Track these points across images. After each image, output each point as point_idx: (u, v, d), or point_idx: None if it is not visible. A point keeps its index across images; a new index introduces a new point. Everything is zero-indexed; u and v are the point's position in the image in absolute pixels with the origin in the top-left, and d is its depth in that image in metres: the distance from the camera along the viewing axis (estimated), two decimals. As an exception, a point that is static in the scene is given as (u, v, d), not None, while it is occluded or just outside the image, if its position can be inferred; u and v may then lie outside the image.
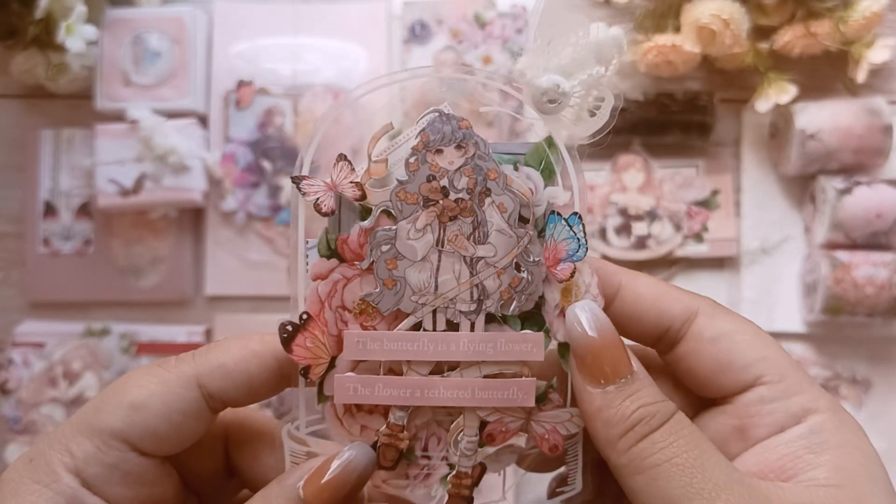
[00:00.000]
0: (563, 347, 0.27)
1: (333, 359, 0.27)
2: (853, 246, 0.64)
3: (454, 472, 0.28)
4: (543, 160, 0.28)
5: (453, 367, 0.27)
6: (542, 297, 0.27)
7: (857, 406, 0.66)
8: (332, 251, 0.27)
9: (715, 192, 0.68)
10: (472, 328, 0.27)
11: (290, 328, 0.27)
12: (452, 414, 0.28)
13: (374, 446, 0.27)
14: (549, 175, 0.28)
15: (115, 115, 0.67)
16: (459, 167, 0.27)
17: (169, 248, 0.69)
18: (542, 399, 0.27)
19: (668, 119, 0.66)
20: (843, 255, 0.62)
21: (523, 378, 0.27)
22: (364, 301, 0.27)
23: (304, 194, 0.27)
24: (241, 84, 0.69)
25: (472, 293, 0.27)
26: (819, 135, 0.63)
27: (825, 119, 0.63)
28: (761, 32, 0.65)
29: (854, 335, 0.66)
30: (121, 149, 0.66)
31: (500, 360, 0.27)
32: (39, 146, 0.70)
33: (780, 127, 0.66)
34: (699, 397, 0.29)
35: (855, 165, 0.64)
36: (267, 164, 0.68)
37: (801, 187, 0.68)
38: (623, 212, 0.67)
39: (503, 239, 0.27)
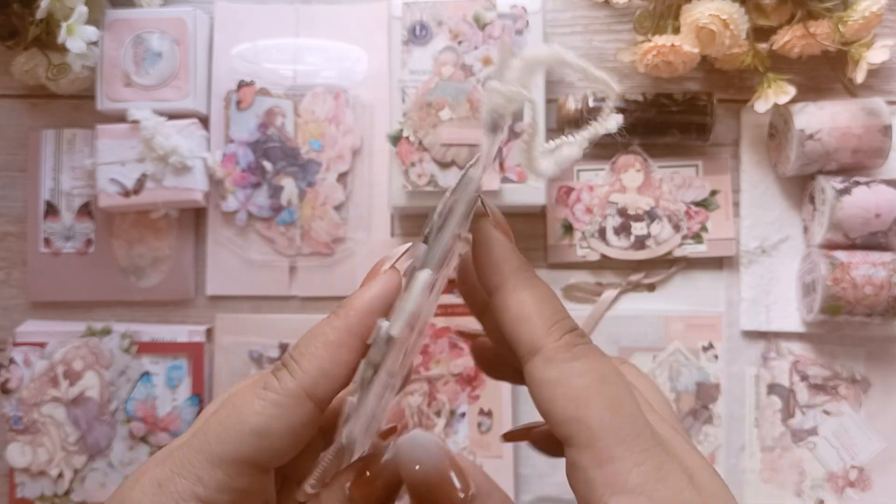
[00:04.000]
0: None
1: None
2: (852, 246, 0.64)
3: None
4: None
5: None
6: None
7: (857, 406, 0.66)
8: None
9: (714, 193, 0.68)
10: None
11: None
12: None
13: None
14: None
15: (117, 115, 0.67)
16: None
17: (170, 248, 0.70)
18: None
19: (668, 119, 0.66)
20: (841, 255, 0.62)
21: None
22: None
23: None
24: (242, 84, 0.69)
25: None
26: (818, 135, 0.63)
27: (824, 119, 0.63)
28: (760, 33, 0.65)
29: (853, 335, 0.66)
30: (122, 149, 0.67)
31: None
32: (41, 146, 0.70)
33: (779, 127, 0.66)
34: None
35: (854, 166, 0.64)
36: (268, 165, 0.68)
37: (800, 187, 0.68)
38: (622, 212, 0.67)
39: None
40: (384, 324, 0.26)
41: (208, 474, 0.25)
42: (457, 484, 0.26)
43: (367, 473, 0.27)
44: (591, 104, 0.66)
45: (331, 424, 0.29)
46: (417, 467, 0.26)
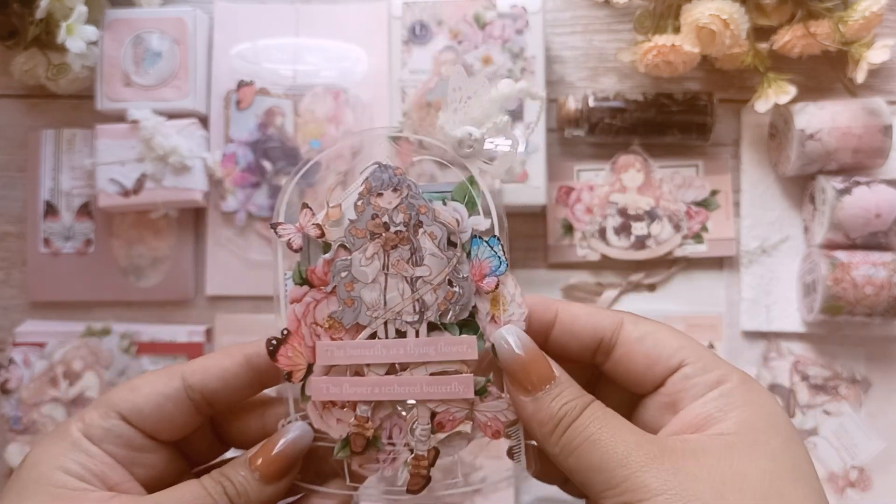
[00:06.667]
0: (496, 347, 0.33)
1: (311, 365, 0.34)
2: (852, 246, 0.64)
3: (413, 455, 0.34)
4: (466, 195, 0.35)
5: (405, 367, 0.33)
6: (475, 307, 0.33)
7: (857, 406, 0.66)
8: (303, 279, 0.34)
9: (714, 193, 0.68)
10: (417, 335, 0.33)
11: (274, 342, 0.34)
12: (407, 407, 0.34)
13: (347, 437, 0.34)
14: (472, 206, 0.34)
15: (116, 115, 0.67)
16: (396, 206, 0.34)
17: (170, 248, 0.70)
18: (482, 392, 0.33)
19: (668, 119, 0.66)
20: (842, 255, 0.62)
21: (462, 374, 0.33)
22: (331, 318, 0.34)
23: (279, 236, 0.35)
24: (242, 84, 0.69)
25: (414, 306, 0.33)
26: (818, 135, 0.63)
27: (824, 119, 0.63)
28: (761, 33, 0.65)
29: (853, 335, 0.66)
30: (121, 149, 0.66)
31: (441, 360, 0.33)
32: (40, 146, 0.70)
33: (779, 127, 0.66)
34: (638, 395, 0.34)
35: (854, 165, 0.64)
36: (267, 165, 0.68)
37: (801, 187, 0.68)
38: (622, 212, 0.67)
39: (436, 261, 0.33)
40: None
41: (88, 414, 0.34)
42: (550, 365, 0.31)
43: (273, 450, 0.33)
44: (591, 104, 0.66)
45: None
46: (518, 351, 0.31)
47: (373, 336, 0.34)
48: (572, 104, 0.66)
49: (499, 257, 0.33)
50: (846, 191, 0.62)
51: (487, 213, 0.34)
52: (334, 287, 0.34)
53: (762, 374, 0.67)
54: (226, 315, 0.69)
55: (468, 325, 0.33)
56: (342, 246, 0.34)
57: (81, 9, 0.62)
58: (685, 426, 0.30)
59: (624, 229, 0.67)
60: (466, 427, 0.33)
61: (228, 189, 0.68)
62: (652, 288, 0.68)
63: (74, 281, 0.70)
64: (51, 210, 0.70)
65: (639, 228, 0.67)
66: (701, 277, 0.68)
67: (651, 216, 0.67)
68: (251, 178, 0.68)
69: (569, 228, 0.68)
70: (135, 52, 0.68)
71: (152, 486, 0.34)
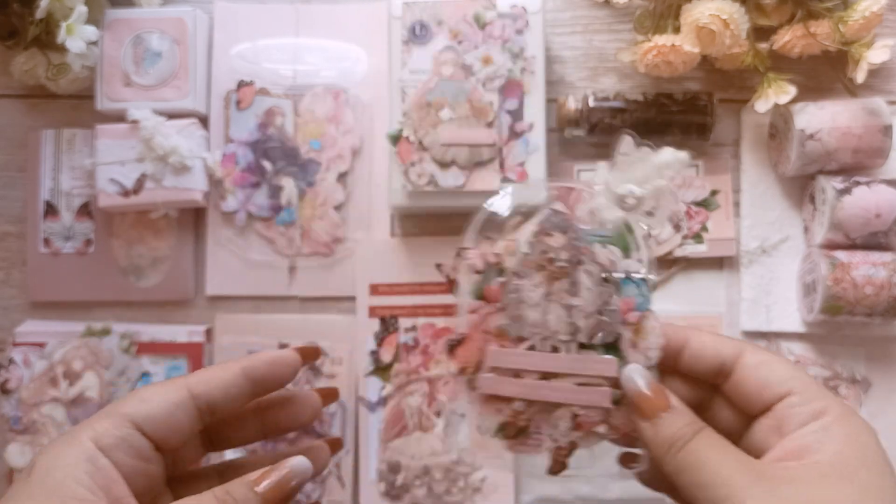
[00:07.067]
0: None
1: (479, 364, 0.42)
2: (852, 246, 0.64)
3: (555, 446, 0.41)
4: (623, 241, 0.42)
5: (555, 375, 0.41)
6: (619, 335, 0.40)
7: (857, 406, 0.66)
8: (480, 296, 0.42)
9: (714, 193, 0.68)
10: (568, 351, 0.41)
11: (453, 342, 0.42)
12: (555, 407, 0.41)
13: (504, 423, 0.41)
14: (626, 251, 0.42)
15: (116, 115, 0.67)
16: (562, 245, 0.42)
17: (170, 248, 0.70)
18: (617, 402, 0.40)
19: (668, 119, 0.66)
20: (842, 255, 0.62)
21: (602, 388, 0.40)
22: (500, 329, 0.41)
23: (465, 259, 0.43)
24: (242, 84, 0.69)
25: (568, 329, 0.41)
26: (818, 135, 0.63)
27: (824, 119, 0.63)
28: (761, 33, 0.65)
29: (853, 335, 0.66)
30: (121, 149, 0.67)
31: (586, 374, 0.40)
32: (40, 146, 0.70)
33: (779, 127, 0.66)
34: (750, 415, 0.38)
35: (854, 165, 0.64)
36: (267, 165, 0.68)
37: (801, 187, 0.68)
38: (623, 212, 0.67)
39: (590, 294, 0.41)
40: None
41: (99, 422, 0.35)
42: (669, 398, 0.37)
43: (278, 476, 0.37)
44: (591, 104, 0.66)
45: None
46: (643, 388, 0.38)
47: (531, 348, 0.41)
48: (572, 104, 0.66)
49: (644, 296, 0.41)
50: (846, 191, 0.62)
51: (639, 258, 0.42)
52: (505, 305, 0.42)
53: (762, 374, 0.67)
54: (226, 315, 0.69)
55: (612, 347, 0.41)
56: (514, 273, 0.42)
57: (81, 9, 0.62)
58: (787, 453, 0.34)
59: (624, 229, 0.67)
60: (600, 429, 0.41)
61: (228, 189, 0.68)
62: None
63: (74, 281, 0.70)
64: (51, 210, 0.70)
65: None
66: (701, 277, 0.68)
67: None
68: (251, 178, 0.68)
69: (569, 228, 0.68)
70: (135, 52, 0.68)
71: (141, 497, 0.36)
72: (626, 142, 0.45)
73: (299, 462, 0.38)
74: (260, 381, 0.40)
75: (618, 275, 0.42)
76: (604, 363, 0.40)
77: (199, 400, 0.38)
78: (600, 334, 0.41)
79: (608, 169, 0.45)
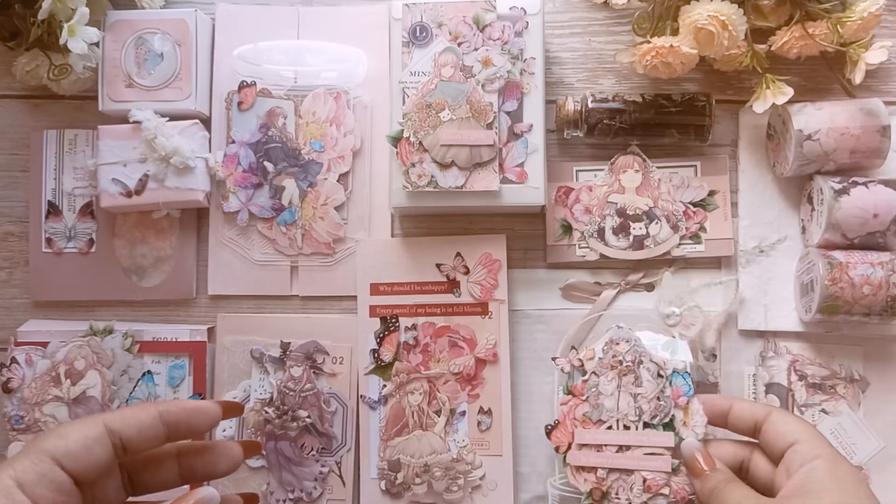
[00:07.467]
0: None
1: (570, 444, 0.58)
2: (850, 246, 0.64)
3: None
4: (671, 347, 0.59)
5: (628, 448, 0.57)
6: (673, 415, 0.57)
7: (855, 405, 0.66)
8: (569, 391, 0.59)
9: (712, 193, 0.68)
10: (637, 429, 0.57)
11: (549, 427, 0.59)
12: (629, 473, 0.56)
13: (591, 490, 0.57)
14: (674, 354, 0.59)
15: (118, 116, 0.68)
16: (627, 350, 0.58)
17: (172, 247, 0.70)
18: (676, 469, 0.56)
19: (666, 120, 0.66)
20: (839, 255, 0.63)
21: (663, 456, 0.56)
22: (584, 415, 0.58)
23: (557, 365, 0.60)
24: (244, 85, 0.69)
25: (635, 412, 0.57)
26: (816, 135, 0.63)
27: (822, 120, 0.63)
28: (759, 34, 0.65)
29: (851, 334, 0.67)
30: (124, 150, 0.67)
31: (651, 445, 0.56)
32: (43, 147, 0.71)
33: (777, 128, 0.67)
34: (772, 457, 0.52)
35: (852, 166, 0.65)
36: (269, 165, 0.69)
37: (798, 188, 0.68)
38: (621, 212, 0.68)
39: (650, 385, 0.58)
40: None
41: (19, 460, 0.37)
42: (714, 461, 0.53)
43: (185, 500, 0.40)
44: (590, 105, 0.66)
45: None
46: (697, 457, 0.53)
47: (609, 428, 0.57)
48: (571, 105, 0.67)
49: (689, 385, 0.57)
50: (844, 191, 0.63)
51: (683, 359, 0.59)
52: (587, 397, 0.58)
53: (760, 374, 0.67)
54: (227, 314, 0.70)
55: (668, 425, 0.57)
56: (593, 373, 0.59)
57: (83, 10, 0.62)
58: (789, 491, 0.47)
59: (622, 229, 0.68)
60: (665, 491, 0.55)
61: (230, 189, 0.69)
62: (650, 288, 0.68)
63: (77, 281, 0.70)
64: (53, 210, 0.70)
65: (637, 229, 0.67)
66: (699, 277, 0.68)
67: (649, 216, 0.68)
68: (253, 179, 0.69)
69: (568, 228, 0.68)
70: (137, 54, 0.68)
71: None
72: (667, 276, 0.66)
73: (206, 491, 0.40)
74: (174, 427, 0.43)
75: (668, 371, 0.57)
76: (664, 436, 0.56)
77: (113, 435, 0.40)
78: (659, 415, 0.56)
79: (657, 298, 0.67)
